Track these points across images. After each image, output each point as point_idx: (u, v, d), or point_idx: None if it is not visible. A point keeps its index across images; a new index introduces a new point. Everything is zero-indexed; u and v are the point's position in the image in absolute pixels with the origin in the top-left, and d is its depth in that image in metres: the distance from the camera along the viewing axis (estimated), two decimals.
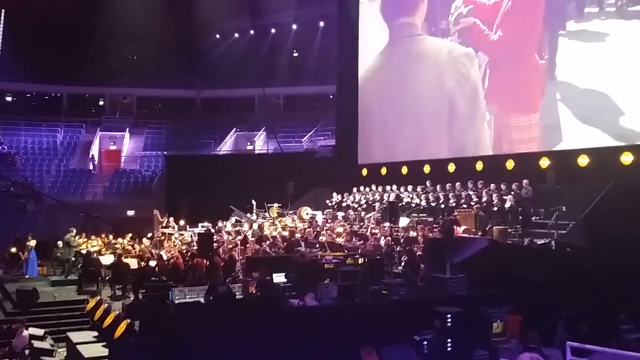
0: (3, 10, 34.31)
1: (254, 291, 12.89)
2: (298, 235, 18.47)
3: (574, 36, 17.31)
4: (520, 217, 15.97)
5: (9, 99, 37.36)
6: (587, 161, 16.58)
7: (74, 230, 20.59)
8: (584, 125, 16.91)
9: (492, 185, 17.54)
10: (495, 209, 16.57)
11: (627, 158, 15.62)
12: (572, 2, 17.52)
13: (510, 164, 18.75)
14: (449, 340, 11.53)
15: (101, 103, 38.78)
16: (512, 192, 16.63)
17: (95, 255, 18.72)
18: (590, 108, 16.74)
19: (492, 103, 19.85)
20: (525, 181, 16.71)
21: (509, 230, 15.71)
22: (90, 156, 34.16)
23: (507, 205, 16.26)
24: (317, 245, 17.24)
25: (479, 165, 19.85)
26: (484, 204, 16.92)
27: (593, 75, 16.70)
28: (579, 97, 17.09)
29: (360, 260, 14.61)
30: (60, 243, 19.93)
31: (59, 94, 37.88)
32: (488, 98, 19.95)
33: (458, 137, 21.11)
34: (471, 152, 20.49)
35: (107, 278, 17.25)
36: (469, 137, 20.68)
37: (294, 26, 34.85)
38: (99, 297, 15.27)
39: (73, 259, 19.50)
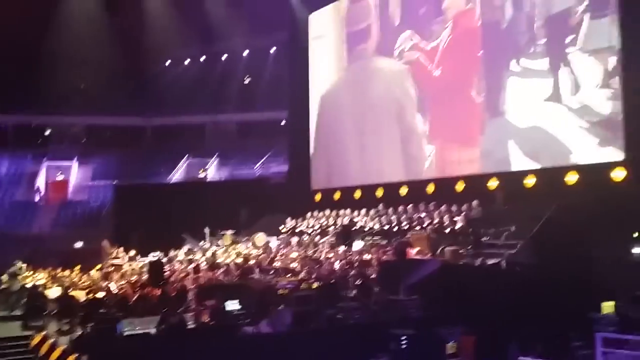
0: None
1: (208, 320, 12.66)
2: (252, 262, 18.28)
3: (514, 74, 17.86)
4: (471, 238, 16.18)
5: None
6: (533, 181, 16.97)
7: (20, 263, 19.87)
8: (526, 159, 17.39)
9: (443, 207, 17.78)
10: (447, 230, 16.77)
11: (571, 178, 16.04)
12: (509, 41, 18.09)
13: (460, 186, 19.06)
14: None
15: (48, 132, 37.83)
16: (463, 213, 16.88)
17: (41, 288, 18.06)
18: (533, 143, 17.20)
19: (435, 138, 20.31)
20: (474, 202, 17.00)
21: (461, 251, 15.89)
22: (36, 187, 33.18)
23: (458, 226, 16.50)
24: (272, 271, 17.08)
25: (430, 188, 20.10)
26: (436, 226, 17.11)
27: (535, 111, 17.20)
28: (521, 133, 17.55)
29: (315, 285, 14.54)
30: (5, 277, 19.19)
31: (3, 125, 36.79)
32: (430, 134, 20.38)
33: (409, 160, 21.37)
34: (423, 174, 20.76)
35: (53, 312, 16.63)
36: (420, 160, 20.96)
37: (245, 52, 34.94)
38: (45, 332, 14.71)
39: (16, 292, 18.74)
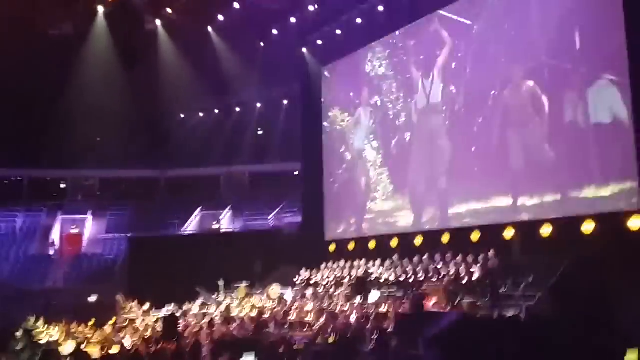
0: None
1: None
2: (267, 315, 18.10)
3: None
4: (488, 289, 15.96)
5: None
6: (550, 230, 16.81)
7: (32, 318, 19.80)
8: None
9: (459, 257, 17.61)
10: (464, 281, 16.57)
11: (588, 227, 15.89)
12: None
13: (475, 236, 18.91)
14: None
15: (63, 186, 38.24)
16: (479, 264, 16.71)
17: (54, 345, 17.94)
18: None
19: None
20: (491, 252, 16.84)
21: (478, 303, 15.67)
22: (51, 241, 33.32)
23: (475, 277, 16.30)
24: (287, 325, 16.88)
25: (445, 238, 19.96)
26: (452, 277, 16.92)
27: None
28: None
29: (331, 339, 14.32)
30: (19, 333, 19.10)
31: (19, 178, 37.28)
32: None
33: (423, 210, 21.36)
34: (437, 224, 20.67)
35: None
36: (433, 209, 20.94)
37: (258, 105, 35.43)
38: None
39: (29, 349, 18.60)
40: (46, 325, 21.01)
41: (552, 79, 17.14)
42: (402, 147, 22.45)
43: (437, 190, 20.78)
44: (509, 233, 17.79)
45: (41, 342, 18.88)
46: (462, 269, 16.85)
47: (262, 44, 29.33)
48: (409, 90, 22.24)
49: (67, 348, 17.20)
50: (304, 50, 27.42)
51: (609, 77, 15.64)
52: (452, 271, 17.14)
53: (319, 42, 26.43)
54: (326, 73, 26.85)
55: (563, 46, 16.88)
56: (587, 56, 16.22)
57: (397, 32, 22.95)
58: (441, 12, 20.88)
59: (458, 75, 20.26)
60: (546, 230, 16.86)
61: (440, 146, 20.72)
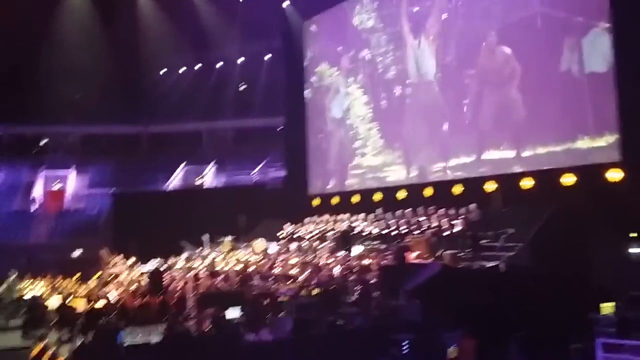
0: None
1: (208, 328, 12.65)
2: (252, 269, 18.28)
3: None
4: (470, 241, 16.21)
5: None
6: (531, 183, 17.01)
7: (16, 272, 19.82)
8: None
9: (442, 211, 17.81)
10: (446, 234, 16.81)
11: (568, 180, 16.10)
12: None
13: (457, 189, 19.09)
14: None
15: (44, 142, 37.82)
16: (461, 217, 16.92)
17: (40, 299, 18.05)
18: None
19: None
20: (472, 205, 17.04)
21: (460, 254, 15.93)
22: (32, 197, 33.13)
23: (457, 229, 16.53)
24: (271, 278, 17.08)
25: (429, 191, 20.13)
26: (435, 229, 17.15)
27: None
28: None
29: (315, 291, 14.55)
30: (2, 288, 19.16)
31: None
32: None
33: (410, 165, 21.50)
34: (421, 178, 20.82)
35: (53, 322, 16.60)
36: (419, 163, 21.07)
37: (240, 59, 35.02)
38: (44, 342, 14.67)
39: (14, 302, 18.70)
40: (31, 280, 21.10)
41: (547, 28, 16.95)
42: (391, 102, 22.37)
43: (423, 144, 20.84)
44: (490, 186, 17.98)
45: (25, 297, 18.97)
46: (444, 221, 17.07)
47: None
48: (399, 44, 22.01)
49: (52, 302, 17.34)
50: (286, 3, 26.97)
51: (604, 25, 15.55)
52: (435, 224, 17.35)
53: None
54: (311, 27, 26.48)
55: None
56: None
57: None
58: None
59: (449, 26, 19.98)
60: (527, 183, 17.06)
61: (431, 100, 20.65)
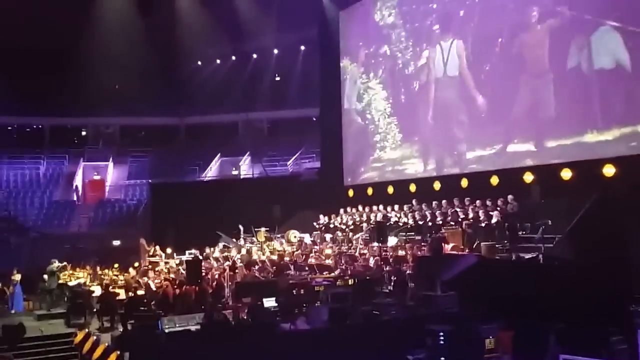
0: None
1: (245, 317, 12.82)
2: (287, 259, 18.42)
3: None
4: (507, 233, 16.04)
5: None
6: (570, 175, 16.72)
7: (56, 261, 20.32)
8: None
9: (478, 202, 17.64)
10: (482, 225, 16.65)
11: (609, 170, 15.78)
12: None
13: (494, 180, 18.87)
14: (442, 358, 11.52)
15: (84, 133, 38.65)
16: (498, 208, 16.75)
17: (81, 287, 18.52)
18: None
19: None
20: (510, 196, 16.84)
21: (497, 245, 15.79)
22: (74, 187, 33.91)
23: (494, 221, 16.37)
24: (307, 268, 17.20)
25: (464, 182, 19.96)
26: (471, 221, 17.01)
27: None
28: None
29: (350, 282, 14.62)
30: (46, 276, 19.69)
31: (40, 126, 37.68)
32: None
33: (442, 155, 21.34)
34: (456, 169, 20.66)
35: (94, 310, 17.03)
36: (453, 154, 20.90)
37: (276, 51, 35.13)
38: (87, 330, 15.08)
39: (57, 290, 19.21)
40: (72, 269, 21.62)
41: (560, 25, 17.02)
42: (411, 96, 22.39)
43: (453, 136, 20.69)
44: (528, 177, 17.72)
45: (69, 283, 19.47)
46: (481, 212, 16.91)
47: None
48: (418, 39, 22.01)
49: (95, 290, 17.78)
50: None
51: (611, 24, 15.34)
52: (471, 215, 17.21)
53: None
54: (342, 18, 26.44)
55: None
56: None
57: None
58: None
59: (466, 23, 20.10)
60: (566, 174, 16.77)
61: (454, 93, 20.57)
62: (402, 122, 22.94)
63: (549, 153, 17.52)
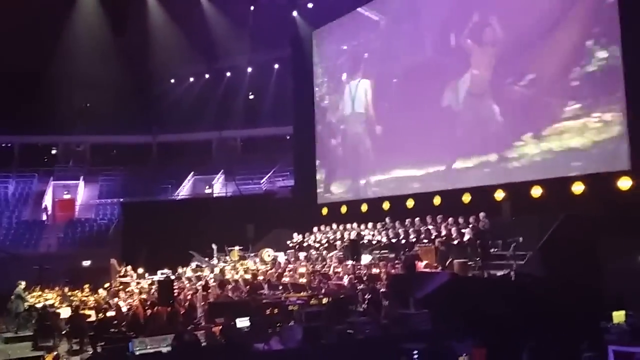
0: None
1: (218, 337, 12.66)
2: (261, 278, 18.29)
3: None
4: (479, 250, 16.16)
5: None
6: (540, 192, 16.97)
7: (23, 283, 19.88)
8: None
9: (450, 219, 17.78)
10: (455, 242, 16.77)
11: (578, 188, 16.05)
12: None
13: (466, 198, 19.07)
14: None
15: (54, 152, 38.13)
16: (470, 225, 16.88)
17: (50, 308, 18.13)
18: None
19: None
20: (482, 214, 17.00)
21: (469, 263, 15.90)
22: (44, 206, 33.34)
23: (466, 238, 16.49)
24: (280, 287, 17.09)
25: (437, 200, 20.12)
26: (444, 238, 17.12)
27: None
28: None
29: (324, 300, 14.55)
30: (13, 297, 19.23)
31: (9, 144, 37.08)
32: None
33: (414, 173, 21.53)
34: (429, 187, 20.83)
35: (63, 332, 16.66)
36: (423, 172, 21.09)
37: (249, 69, 35.20)
38: (55, 353, 14.72)
39: (25, 313, 18.77)
40: (41, 290, 21.20)
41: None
42: (391, 113, 22.60)
43: (427, 154, 20.88)
44: (499, 195, 17.94)
45: (37, 305, 19.04)
46: (454, 230, 17.04)
47: (252, 8, 28.92)
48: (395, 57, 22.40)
49: (63, 312, 17.40)
50: (295, 13, 27.12)
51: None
52: (444, 232, 17.32)
53: (310, 5, 26.12)
54: (317, 37, 26.64)
55: None
56: None
57: None
58: None
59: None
60: (536, 192, 17.02)
61: (427, 111, 20.89)
62: (384, 139, 23.13)
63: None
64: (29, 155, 36.93)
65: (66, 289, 21.11)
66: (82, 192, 35.38)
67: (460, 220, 17.47)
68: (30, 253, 28.67)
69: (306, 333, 12.50)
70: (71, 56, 31.43)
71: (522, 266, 14.79)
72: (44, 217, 33.00)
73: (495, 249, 16.23)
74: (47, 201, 33.87)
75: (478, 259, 16.06)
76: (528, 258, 14.92)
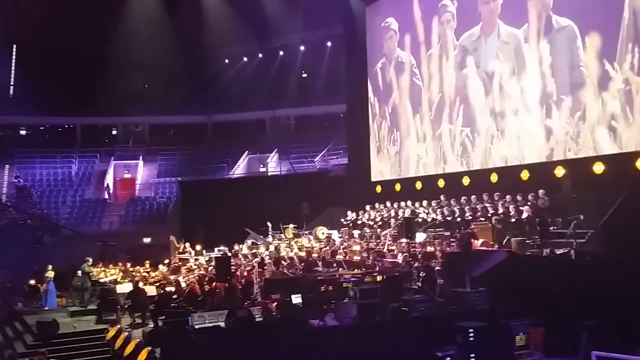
0: (15, 46, 34.93)
1: (274, 313, 12.87)
2: (315, 255, 18.42)
3: None
4: (538, 228, 15.76)
5: (23, 132, 37.98)
6: (602, 168, 16.40)
7: (90, 260, 20.66)
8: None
9: (508, 197, 17.40)
10: (513, 220, 16.40)
11: None
12: None
13: (525, 175, 18.61)
14: (472, 355, 11.45)
15: (114, 132, 39.24)
16: (529, 203, 16.49)
17: (113, 284, 18.79)
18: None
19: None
20: (541, 191, 16.56)
21: (527, 241, 15.53)
22: (105, 185, 34.43)
23: (524, 216, 16.12)
24: (335, 264, 17.18)
25: (494, 177, 19.71)
26: (501, 216, 16.77)
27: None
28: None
29: (379, 278, 14.55)
30: (79, 272, 20.01)
31: (72, 126, 38.35)
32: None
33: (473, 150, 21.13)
34: (485, 164, 20.43)
35: (126, 306, 17.26)
36: (482, 149, 20.66)
37: (302, 48, 35.17)
38: (118, 326, 15.27)
39: (91, 287, 19.54)
40: (104, 266, 21.95)
41: None
42: (443, 91, 22.13)
43: (482, 130, 20.45)
44: (559, 171, 17.44)
45: (101, 280, 19.76)
46: (512, 207, 16.68)
47: None
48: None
49: (124, 287, 18.01)
50: None
51: None
52: (501, 210, 16.99)
53: None
54: (369, 14, 26.32)
55: None
56: None
57: None
58: None
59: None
60: (598, 168, 16.46)
61: (482, 87, 20.34)
62: (435, 117, 22.61)
63: None
64: (91, 135, 38.19)
65: (128, 265, 21.79)
66: (142, 171, 36.37)
67: (519, 197, 17.06)
68: (93, 231, 29.74)
69: (361, 310, 12.59)
70: (127, 39, 32.17)
71: (582, 244, 14.38)
72: (106, 196, 34.08)
73: (555, 227, 15.80)
74: (109, 180, 34.98)
75: (537, 237, 15.69)
76: (589, 236, 14.49)
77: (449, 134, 21.90)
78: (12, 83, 35.56)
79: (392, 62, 24.94)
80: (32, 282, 21.98)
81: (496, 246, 15.89)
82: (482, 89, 20.51)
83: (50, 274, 20.89)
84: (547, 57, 18.14)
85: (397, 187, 24.16)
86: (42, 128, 38.45)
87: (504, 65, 19.62)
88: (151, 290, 17.16)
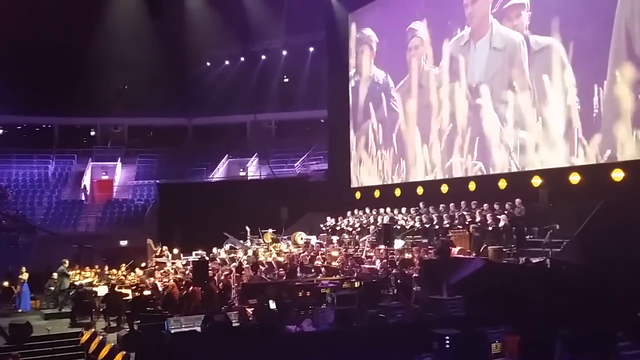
0: None
1: (251, 318, 12.81)
2: (294, 261, 18.38)
3: None
4: (515, 236, 15.96)
5: None
6: (578, 179, 16.63)
7: (67, 261, 20.40)
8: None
9: (485, 205, 17.56)
10: (490, 228, 16.56)
11: (618, 175, 15.69)
12: None
13: (502, 184, 18.81)
14: None
15: (92, 133, 38.81)
16: (506, 212, 16.66)
17: (88, 287, 18.58)
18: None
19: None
20: (517, 200, 16.75)
21: (504, 249, 15.70)
22: (82, 187, 34.03)
23: (501, 224, 16.28)
24: (313, 270, 17.17)
25: (472, 186, 19.90)
26: (478, 224, 16.93)
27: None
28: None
29: (357, 284, 14.57)
30: (55, 275, 19.75)
31: (49, 126, 37.85)
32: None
33: (451, 158, 21.26)
34: (463, 172, 20.59)
35: (101, 309, 17.08)
36: (460, 157, 20.81)
37: (284, 52, 35.18)
38: (93, 330, 15.11)
39: (67, 289, 19.28)
40: (80, 269, 21.69)
41: None
42: (427, 99, 22.31)
43: (462, 139, 20.62)
44: (536, 181, 17.64)
45: (76, 283, 19.53)
46: (489, 216, 16.83)
47: None
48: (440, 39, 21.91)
49: (100, 290, 17.83)
50: None
51: None
52: (478, 218, 17.13)
53: None
54: (353, 20, 26.43)
55: None
56: None
57: None
58: None
59: None
60: (574, 178, 16.68)
61: (466, 97, 20.54)
62: (419, 125, 22.78)
63: None
64: (69, 136, 37.64)
65: (104, 268, 21.56)
66: (120, 173, 35.98)
67: (496, 206, 17.22)
68: (69, 232, 29.32)
69: (338, 316, 12.56)
70: (109, 38, 31.88)
71: (558, 253, 14.55)
72: (83, 197, 33.68)
73: (531, 236, 15.98)
74: (86, 181, 34.55)
75: (513, 245, 15.87)
76: (564, 245, 14.66)
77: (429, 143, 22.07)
78: None
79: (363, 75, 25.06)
80: (6, 283, 21.62)
81: (473, 254, 16.05)
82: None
83: (25, 275, 20.57)
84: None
85: (377, 193, 24.26)
86: (19, 127, 37.87)
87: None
88: (127, 294, 17.01)
